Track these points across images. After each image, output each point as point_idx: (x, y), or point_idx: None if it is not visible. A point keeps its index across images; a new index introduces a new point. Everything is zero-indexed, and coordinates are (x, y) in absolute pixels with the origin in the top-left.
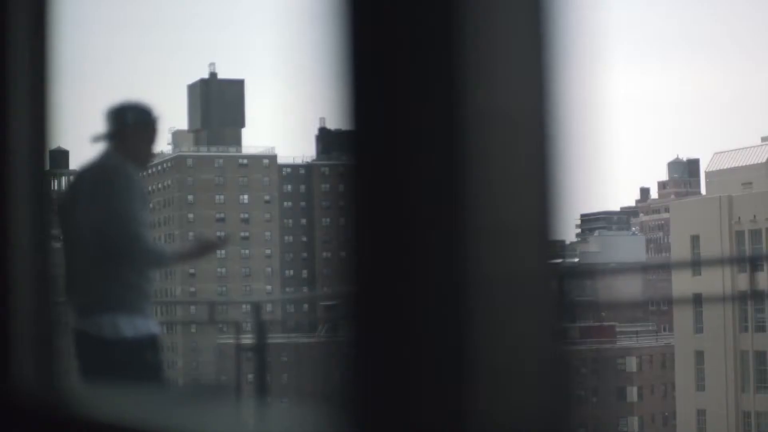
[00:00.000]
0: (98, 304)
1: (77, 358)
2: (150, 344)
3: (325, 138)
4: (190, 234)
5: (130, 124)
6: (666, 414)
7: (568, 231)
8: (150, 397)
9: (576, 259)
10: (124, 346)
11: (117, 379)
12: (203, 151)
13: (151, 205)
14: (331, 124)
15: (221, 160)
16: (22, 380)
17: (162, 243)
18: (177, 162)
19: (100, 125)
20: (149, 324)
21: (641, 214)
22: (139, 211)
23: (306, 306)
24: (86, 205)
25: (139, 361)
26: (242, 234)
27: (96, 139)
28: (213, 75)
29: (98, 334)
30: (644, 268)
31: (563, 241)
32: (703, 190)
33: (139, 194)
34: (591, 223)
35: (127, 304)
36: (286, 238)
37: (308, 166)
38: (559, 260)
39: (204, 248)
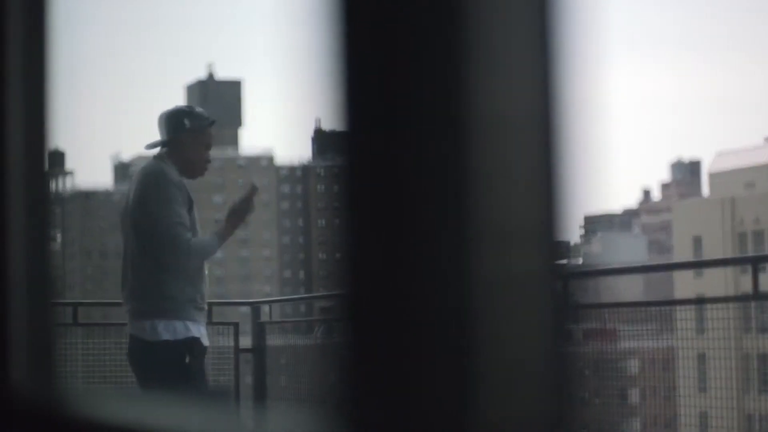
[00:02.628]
0: (143, 308)
1: (129, 361)
2: (189, 348)
3: (320, 139)
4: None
5: (187, 131)
6: (668, 415)
7: (573, 232)
8: (149, 399)
9: (580, 260)
10: (163, 348)
11: (156, 381)
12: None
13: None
14: (327, 125)
15: (219, 161)
16: (21, 381)
17: (200, 236)
18: None
19: (98, 125)
20: (190, 328)
21: (643, 216)
22: (176, 214)
23: (303, 308)
24: (130, 213)
25: (177, 364)
26: (241, 236)
27: (151, 146)
28: (211, 75)
29: (141, 337)
30: (647, 269)
31: (568, 243)
32: (705, 192)
33: (174, 197)
34: (593, 224)
35: (168, 308)
36: (283, 239)
37: (305, 167)
38: (564, 261)
39: (237, 214)
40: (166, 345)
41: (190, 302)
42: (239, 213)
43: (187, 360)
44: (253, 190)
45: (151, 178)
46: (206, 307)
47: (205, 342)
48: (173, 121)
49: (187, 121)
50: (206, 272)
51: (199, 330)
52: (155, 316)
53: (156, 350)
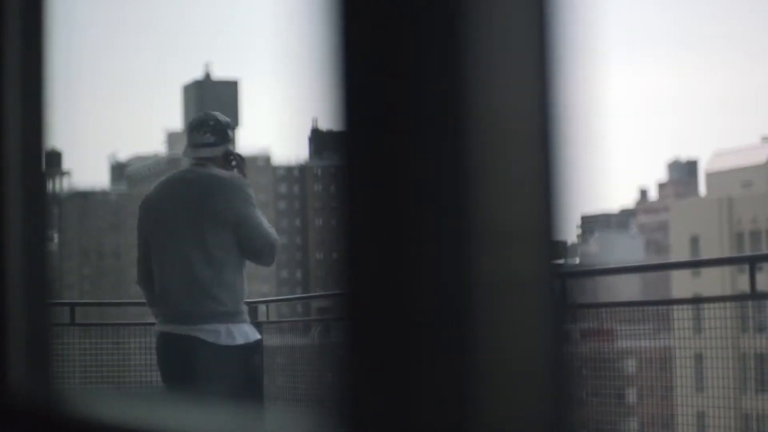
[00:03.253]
0: (216, 311)
1: (174, 362)
2: (257, 349)
3: (318, 139)
4: None
5: (230, 139)
6: (665, 415)
7: (571, 232)
8: (147, 398)
9: (578, 260)
10: (237, 352)
11: (225, 384)
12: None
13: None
14: (324, 125)
15: None
16: (18, 381)
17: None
18: (172, 163)
19: (95, 125)
20: (255, 330)
21: (640, 215)
22: (260, 219)
23: (301, 308)
24: (213, 215)
25: (249, 366)
26: None
27: (198, 148)
28: (208, 76)
29: (213, 341)
30: (644, 269)
31: (566, 242)
32: (702, 191)
33: (254, 202)
34: (590, 224)
35: (241, 310)
36: (281, 239)
37: (302, 167)
38: (562, 261)
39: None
40: (240, 348)
41: (245, 303)
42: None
43: (256, 361)
44: (238, 158)
45: (236, 183)
46: None
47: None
48: (222, 133)
49: (231, 134)
50: None
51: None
52: (230, 320)
53: (230, 354)
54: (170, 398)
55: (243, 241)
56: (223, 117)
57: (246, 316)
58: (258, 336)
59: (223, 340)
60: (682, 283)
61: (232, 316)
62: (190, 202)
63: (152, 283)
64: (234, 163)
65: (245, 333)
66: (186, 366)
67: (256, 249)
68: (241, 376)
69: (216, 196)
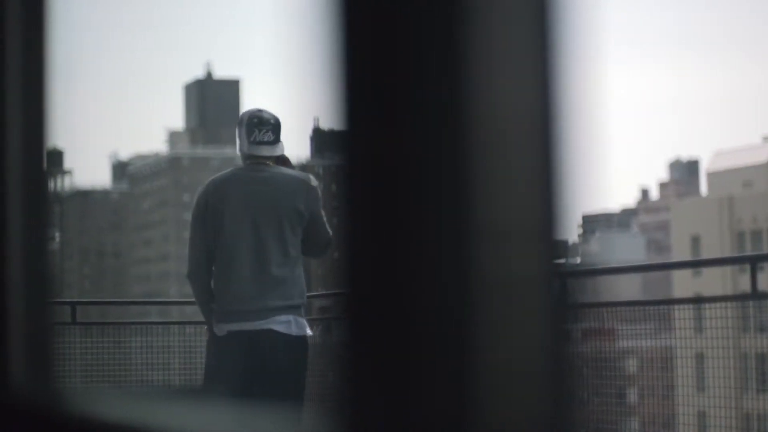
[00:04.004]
0: (284, 305)
1: (246, 357)
2: (307, 344)
3: (319, 138)
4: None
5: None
6: (666, 415)
7: (572, 231)
8: (146, 397)
9: (579, 260)
10: (305, 343)
11: (296, 372)
12: (199, 151)
13: (147, 204)
14: (326, 124)
15: (217, 160)
16: (19, 381)
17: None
18: (173, 162)
19: (96, 124)
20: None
21: (641, 215)
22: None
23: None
24: (294, 213)
25: (307, 357)
26: None
27: (260, 146)
28: (209, 75)
29: (286, 332)
30: (645, 269)
31: (566, 242)
32: (703, 191)
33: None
34: (591, 223)
35: (304, 304)
36: None
37: (303, 166)
38: (562, 260)
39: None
40: (306, 340)
41: None
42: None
43: (308, 356)
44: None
45: (311, 182)
46: None
47: None
48: (280, 129)
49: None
50: None
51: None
52: (297, 313)
53: (299, 343)
54: (235, 395)
55: (313, 236)
56: (276, 116)
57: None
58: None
59: (294, 331)
60: (683, 283)
61: (298, 309)
62: (270, 200)
63: (210, 276)
64: (285, 162)
65: (305, 326)
66: (258, 358)
67: (322, 245)
68: (304, 365)
69: (297, 194)
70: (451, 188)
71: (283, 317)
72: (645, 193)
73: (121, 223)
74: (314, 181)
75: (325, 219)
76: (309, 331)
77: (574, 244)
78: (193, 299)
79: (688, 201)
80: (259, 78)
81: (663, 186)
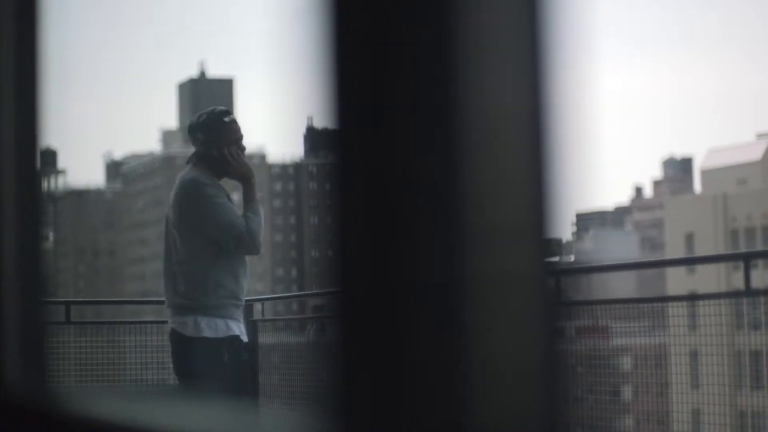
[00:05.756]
0: (187, 304)
1: (172, 354)
2: (228, 345)
3: (313, 137)
4: None
5: (200, 140)
6: (660, 412)
7: (565, 229)
8: (140, 396)
9: (572, 258)
10: (203, 345)
11: (195, 376)
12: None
13: (141, 203)
14: (319, 123)
15: None
16: (13, 380)
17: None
18: (167, 161)
19: (89, 124)
20: (231, 326)
21: (635, 213)
22: (213, 212)
23: (296, 306)
24: (180, 216)
25: (216, 361)
26: None
27: (190, 161)
28: (203, 74)
29: (183, 332)
30: (639, 266)
31: (560, 240)
32: (697, 188)
33: (207, 197)
34: (585, 221)
35: (210, 305)
36: (276, 237)
37: (297, 165)
38: (556, 258)
39: (243, 177)
40: (205, 341)
41: (234, 299)
42: (243, 174)
43: (225, 358)
44: (232, 153)
45: (188, 186)
46: (243, 303)
47: (244, 338)
48: (191, 137)
49: (200, 135)
50: (248, 266)
51: (239, 327)
52: (198, 313)
53: (197, 346)
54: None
55: (190, 237)
56: (189, 123)
57: (222, 311)
58: (234, 333)
59: (189, 332)
60: (677, 280)
61: (201, 309)
62: None
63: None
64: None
65: (216, 326)
66: (172, 358)
67: (225, 244)
68: (210, 369)
69: (172, 200)
70: (443, 187)
71: (182, 318)
72: (639, 190)
73: (115, 222)
74: (183, 179)
75: (209, 212)
76: (223, 333)
77: (568, 242)
78: None
79: (682, 198)
80: (252, 77)
81: (657, 184)
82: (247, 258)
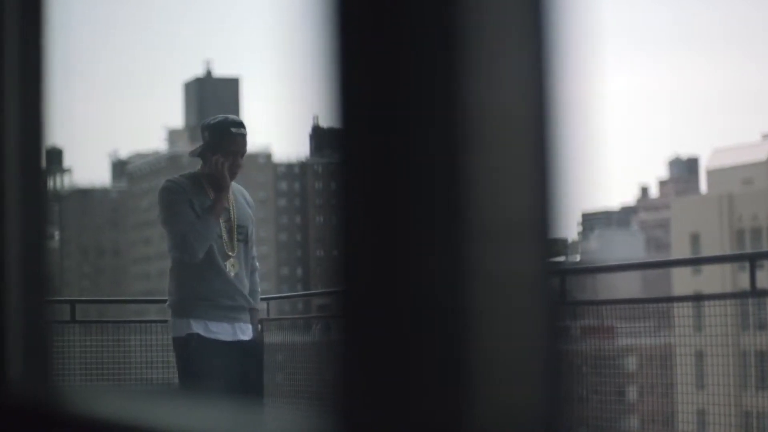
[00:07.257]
0: (170, 306)
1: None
2: (184, 344)
3: (318, 136)
4: None
5: (205, 139)
6: (666, 412)
7: (571, 229)
8: (145, 395)
9: (578, 257)
10: (174, 343)
11: (179, 375)
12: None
13: (146, 203)
14: (325, 122)
15: None
16: (18, 378)
17: (193, 225)
18: (172, 160)
19: (95, 123)
20: (192, 324)
21: (641, 213)
22: (167, 219)
23: (301, 305)
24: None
25: (179, 360)
26: None
27: (192, 154)
28: (209, 73)
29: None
30: (644, 266)
31: (566, 240)
32: (703, 189)
33: (165, 204)
34: (591, 221)
35: (175, 305)
36: (281, 236)
37: (302, 165)
38: (561, 258)
39: (218, 186)
40: (174, 340)
41: (200, 299)
42: (218, 184)
43: (185, 356)
44: (218, 162)
45: (158, 191)
46: (237, 303)
47: (226, 338)
48: (200, 132)
49: (206, 135)
50: (228, 268)
51: (200, 326)
52: (171, 313)
53: (174, 345)
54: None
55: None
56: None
57: (185, 311)
58: (192, 331)
59: (172, 333)
60: (682, 281)
61: (173, 310)
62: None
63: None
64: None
65: (178, 326)
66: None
67: (172, 249)
68: (178, 368)
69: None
70: (448, 186)
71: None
72: (644, 190)
73: (121, 221)
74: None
75: (164, 220)
76: (181, 332)
77: (574, 242)
78: None
79: (687, 199)
80: (258, 76)
81: (662, 184)
82: (242, 257)
